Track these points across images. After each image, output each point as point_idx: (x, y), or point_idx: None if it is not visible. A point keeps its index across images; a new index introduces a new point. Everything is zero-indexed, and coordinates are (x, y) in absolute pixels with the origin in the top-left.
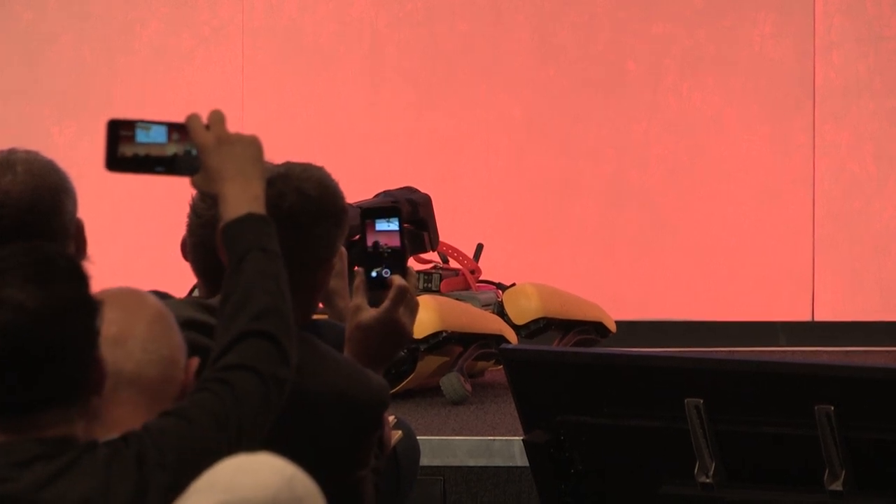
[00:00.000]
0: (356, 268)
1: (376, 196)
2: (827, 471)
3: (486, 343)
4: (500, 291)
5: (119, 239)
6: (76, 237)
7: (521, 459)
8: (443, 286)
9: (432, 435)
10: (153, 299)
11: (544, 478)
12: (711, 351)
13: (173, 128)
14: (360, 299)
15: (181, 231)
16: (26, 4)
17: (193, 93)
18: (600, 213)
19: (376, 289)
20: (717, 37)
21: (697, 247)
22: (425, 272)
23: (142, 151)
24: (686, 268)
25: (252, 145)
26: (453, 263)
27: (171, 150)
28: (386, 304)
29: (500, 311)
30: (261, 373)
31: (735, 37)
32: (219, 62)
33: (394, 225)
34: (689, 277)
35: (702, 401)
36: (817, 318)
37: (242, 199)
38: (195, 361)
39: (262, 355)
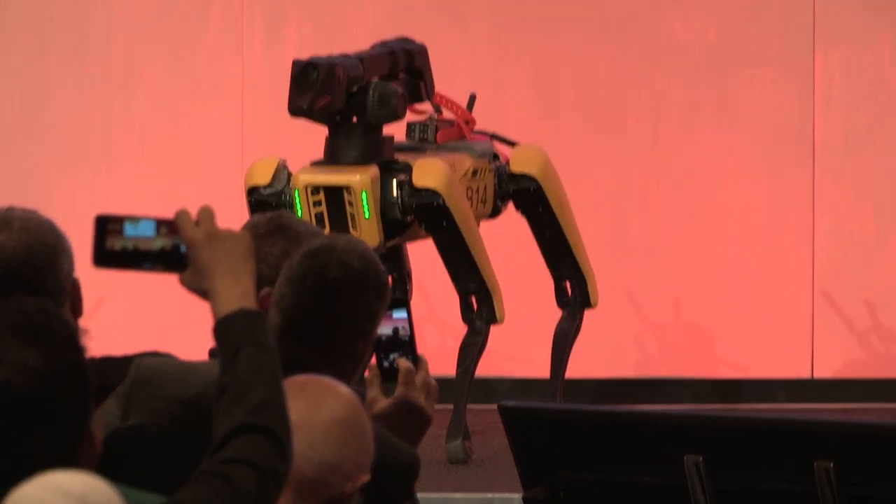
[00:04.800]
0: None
1: (373, 47)
2: None
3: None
4: (495, 141)
5: (117, 296)
6: (72, 296)
7: None
8: (439, 137)
9: (432, 492)
10: (349, 400)
11: None
12: (711, 408)
13: (161, 222)
14: (374, 391)
15: (181, 289)
16: (25, 59)
17: (193, 148)
18: (598, 268)
19: (390, 378)
20: (716, 91)
21: (696, 302)
22: (421, 123)
23: (130, 245)
24: (684, 324)
25: (241, 241)
26: (447, 114)
27: (159, 243)
28: (398, 388)
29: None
30: (259, 468)
31: (735, 91)
32: (218, 117)
33: (403, 313)
34: (688, 334)
35: (701, 458)
36: (817, 376)
37: (233, 294)
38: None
39: (261, 450)
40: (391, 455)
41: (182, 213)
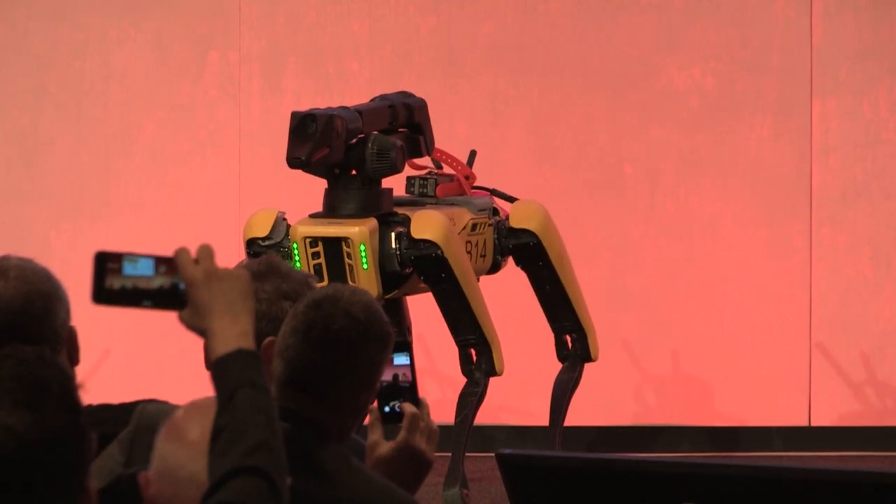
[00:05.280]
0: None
1: (372, 101)
2: None
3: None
4: (495, 196)
5: (115, 344)
6: (68, 344)
7: None
8: (438, 191)
9: None
10: None
11: None
12: (708, 456)
13: (161, 261)
14: (375, 435)
15: (181, 337)
16: (23, 108)
17: (190, 196)
18: (596, 317)
19: (392, 422)
20: (714, 140)
21: (694, 353)
22: (420, 178)
23: (129, 284)
24: (682, 375)
25: (240, 280)
26: (447, 169)
27: (158, 282)
28: (401, 433)
29: (499, 227)
30: None
31: (732, 140)
32: (216, 165)
33: (406, 359)
34: (686, 385)
35: None
36: (814, 423)
37: (231, 334)
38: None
39: (255, 492)
40: (392, 500)
41: (181, 252)
